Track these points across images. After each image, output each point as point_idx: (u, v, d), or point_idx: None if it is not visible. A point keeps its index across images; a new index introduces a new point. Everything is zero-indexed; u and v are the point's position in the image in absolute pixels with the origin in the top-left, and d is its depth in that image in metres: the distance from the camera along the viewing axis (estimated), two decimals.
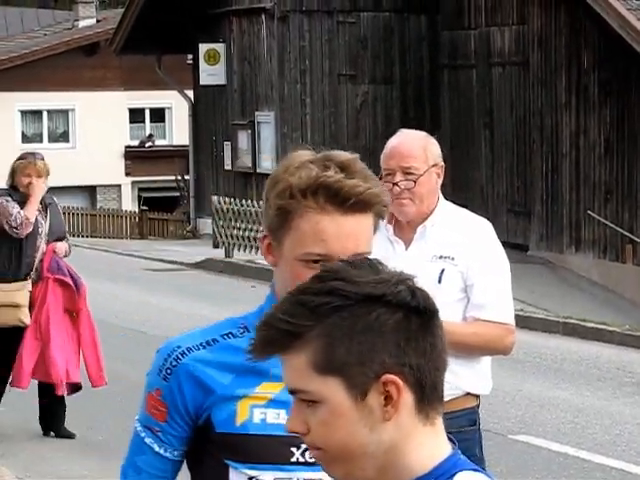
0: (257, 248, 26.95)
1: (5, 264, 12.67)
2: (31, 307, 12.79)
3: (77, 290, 12.91)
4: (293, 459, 3.93)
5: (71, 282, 12.82)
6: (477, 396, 7.31)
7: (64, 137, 54.67)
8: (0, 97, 52.09)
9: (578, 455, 14.66)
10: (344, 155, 4.02)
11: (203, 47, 32.50)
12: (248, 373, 3.93)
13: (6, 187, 13.53)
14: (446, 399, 6.63)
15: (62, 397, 13.24)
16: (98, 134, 51.25)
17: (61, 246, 13.14)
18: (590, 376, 21.73)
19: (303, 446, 4.03)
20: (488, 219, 7.44)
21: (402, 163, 7.07)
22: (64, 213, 42.77)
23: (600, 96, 25.68)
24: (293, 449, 3.98)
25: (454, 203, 7.28)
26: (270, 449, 3.83)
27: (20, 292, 12.66)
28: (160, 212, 43.94)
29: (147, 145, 52.02)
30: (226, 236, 29.13)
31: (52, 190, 47.23)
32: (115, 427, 14.19)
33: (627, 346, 24.99)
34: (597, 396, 19.71)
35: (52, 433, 14.13)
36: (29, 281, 12.74)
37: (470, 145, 27.19)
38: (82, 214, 46.41)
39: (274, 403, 3.97)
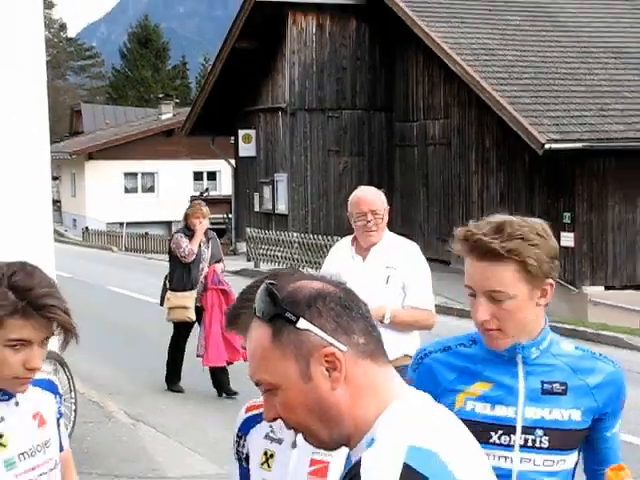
0: (277, 262, 28.06)
1: (180, 279, 13.70)
2: (203, 309, 13.65)
3: (232, 295, 13.01)
4: (491, 440, 3.83)
5: (228, 289, 13.62)
6: (411, 356, 6.94)
7: (151, 190, 54.79)
8: (111, 164, 52.02)
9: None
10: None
11: (241, 132, 32.29)
12: (467, 374, 3.92)
13: (182, 226, 14.16)
14: (391, 359, 6.25)
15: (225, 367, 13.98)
16: (173, 188, 51.36)
17: (219, 266, 13.96)
18: None
19: (500, 431, 3.99)
20: (423, 243, 7.92)
21: (371, 207, 7.15)
22: (151, 239, 44.54)
23: (497, 165, 25.31)
24: (492, 433, 3.90)
25: (401, 234, 7.56)
26: (474, 432, 3.09)
27: (188, 298, 13.71)
28: None
29: (204, 195, 52.23)
30: (256, 254, 28.74)
31: (143, 224, 47.64)
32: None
33: None
34: None
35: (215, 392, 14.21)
36: (194, 291, 13.57)
37: (413, 196, 27.21)
38: (163, 239, 46.58)
39: (482, 398, 3.94)
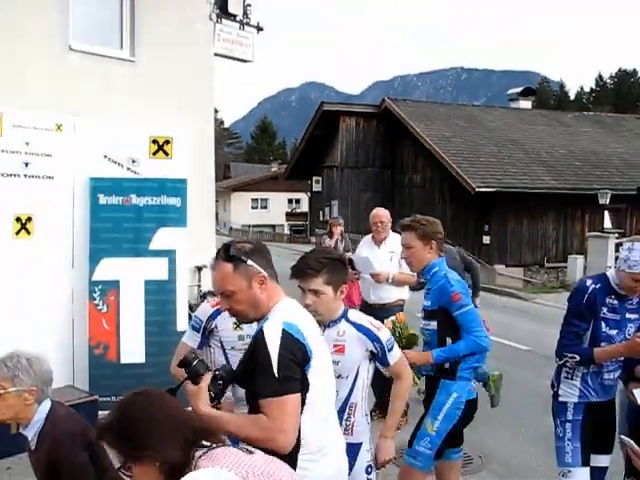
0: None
1: None
2: None
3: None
4: None
5: None
6: (404, 299, 7.01)
7: (265, 207, 54.21)
8: (244, 194, 52.33)
9: None
10: None
11: (314, 177, 32.08)
12: None
13: (326, 231, 11.82)
14: (393, 300, 6.98)
15: None
16: (276, 207, 52.13)
17: (347, 254, 10.70)
18: None
19: None
20: None
21: (381, 219, 6.90)
22: (264, 234, 44.82)
23: (450, 199, 24.56)
24: None
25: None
26: None
27: None
28: (298, 237, 42.20)
29: (293, 210, 52.26)
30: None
31: (260, 225, 46.61)
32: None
33: None
34: None
35: None
36: None
37: (404, 215, 26.44)
38: (271, 234, 45.88)
39: None
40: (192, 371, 2.69)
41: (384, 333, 3.48)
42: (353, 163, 30.01)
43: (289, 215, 53.47)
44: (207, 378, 2.67)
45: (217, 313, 3.65)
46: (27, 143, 6.66)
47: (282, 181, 42.56)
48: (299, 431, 2.60)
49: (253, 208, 54.55)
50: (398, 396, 3.57)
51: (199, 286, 10.36)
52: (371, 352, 3.46)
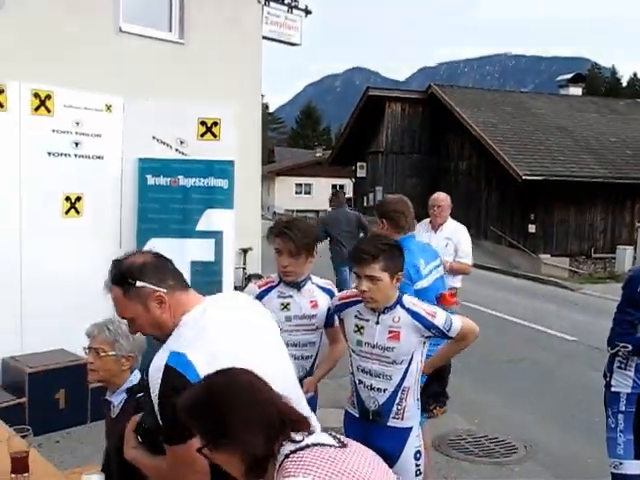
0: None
1: None
2: None
3: None
4: None
5: None
6: (457, 288, 6.75)
7: (308, 193, 54.17)
8: (288, 179, 52.54)
9: None
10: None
11: (358, 163, 31.94)
12: None
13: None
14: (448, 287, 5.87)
15: None
16: (321, 192, 51.82)
17: None
18: None
19: None
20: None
21: (439, 203, 6.66)
22: (307, 219, 44.24)
23: (495, 186, 24.25)
24: None
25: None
26: None
27: None
28: None
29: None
30: None
31: (304, 211, 46.38)
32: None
33: None
34: None
35: None
36: None
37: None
38: (314, 219, 46.47)
39: None
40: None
41: (439, 318, 3.42)
42: (398, 149, 29.76)
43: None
44: (132, 422, 2.63)
45: (264, 293, 3.69)
46: (77, 123, 6.74)
47: (326, 166, 42.47)
48: None
49: (297, 193, 54.53)
50: (462, 344, 3.58)
51: (244, 268, 10.52)
52: (427, 337, 3.44)
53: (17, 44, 8.47)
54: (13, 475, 2.97)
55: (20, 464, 2.97)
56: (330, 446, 1.83)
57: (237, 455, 1.81)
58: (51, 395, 5.89)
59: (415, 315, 3.40)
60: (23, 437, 3.11)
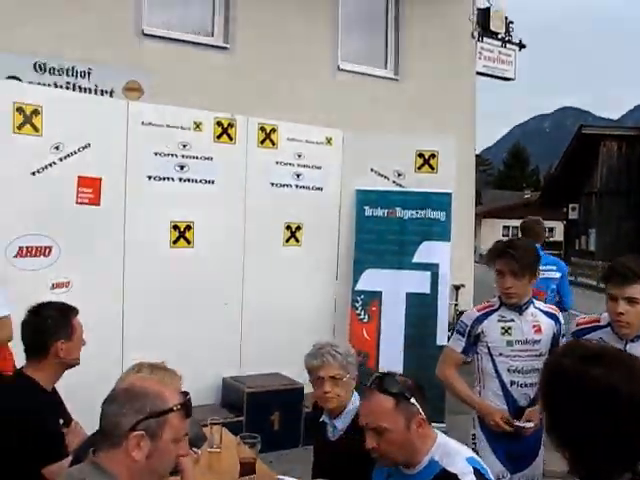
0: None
1: None
2: None
3: None
4: None
5: None
6: None
7: (516, 236, 52.90)
8: (495, 221, 51.12)
9: None
10: None
11: (570, 205, 30.93)
12: None
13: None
14: None
15: None
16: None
17: None
18: None
19: None
20: None
21: None
22: None
23: None
24: None
25: None
26: None
27: None
28: None
29: (546, 240, 50.98)
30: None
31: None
32: None
33: None
34: None
35: None
36: None
37: None
38: None
39: None
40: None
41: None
42: (614, 189, 28.54)
43: (542, 244, 51.03)
44: None
45: (483, 317, 3.65)
46: (299, 155, 6.99)
47: (534, 208, 40.86)
48: None
49: (504, 235, 52.42)
50: None
51: (456, 305, 10.35)
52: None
53: (244, 83, 9.13)
54: (240, 478, 3.16)
55: (248, 468, 3.18)
56: None
57: None
58: (267, 416, 6.05)
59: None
60: (252, 445, 3.27)
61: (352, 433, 3.16)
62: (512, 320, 3.61)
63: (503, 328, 3.57)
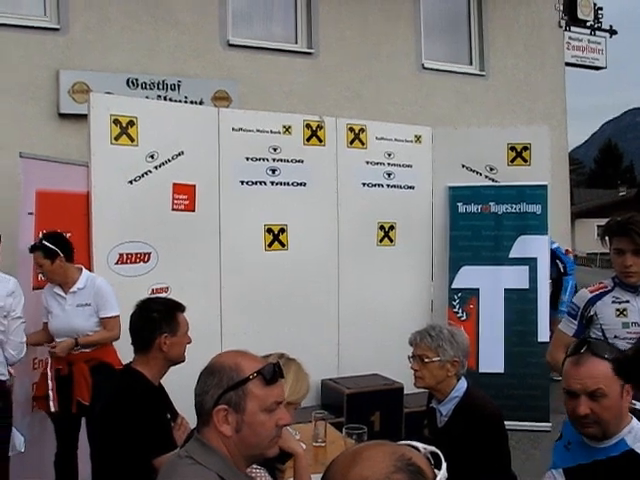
0: None
1: None
2: None
3: None
4: None
5: None
6: None
7: None
8: (589, 221, 49.21)
9: None
10: None
11: None
12: None
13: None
14: None
15: None
16: None
17: None
18: None
19: None
20: None
21: None
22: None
23: None
24: None
25: None
26: None
27: None
28: None
29: None
30: None
31: (608, 254, 44.31)
32: None
33: None
34: None
35: None
36: None
37: None
38: None
39: None
40: None
41: None
42: None
43: None
44: None
45: (596, 299, 3.50)
46: (389, 154, 7.03)
47: (632, 206, 39.40)
48: None
49: (599, 235, 51.25)
50: None
51: None
52: None
53: (330, 86, 9.32)
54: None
55: None
56: None
57: None
58: (366, 416, 6.01)
59: None
60: (359, 436, 3.38)
61: (456, 420, 3.19)
62: (627, 301, 3.47)
63: (618, 310, 3.43)
